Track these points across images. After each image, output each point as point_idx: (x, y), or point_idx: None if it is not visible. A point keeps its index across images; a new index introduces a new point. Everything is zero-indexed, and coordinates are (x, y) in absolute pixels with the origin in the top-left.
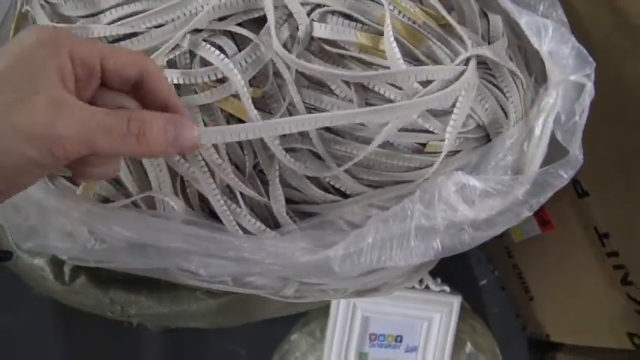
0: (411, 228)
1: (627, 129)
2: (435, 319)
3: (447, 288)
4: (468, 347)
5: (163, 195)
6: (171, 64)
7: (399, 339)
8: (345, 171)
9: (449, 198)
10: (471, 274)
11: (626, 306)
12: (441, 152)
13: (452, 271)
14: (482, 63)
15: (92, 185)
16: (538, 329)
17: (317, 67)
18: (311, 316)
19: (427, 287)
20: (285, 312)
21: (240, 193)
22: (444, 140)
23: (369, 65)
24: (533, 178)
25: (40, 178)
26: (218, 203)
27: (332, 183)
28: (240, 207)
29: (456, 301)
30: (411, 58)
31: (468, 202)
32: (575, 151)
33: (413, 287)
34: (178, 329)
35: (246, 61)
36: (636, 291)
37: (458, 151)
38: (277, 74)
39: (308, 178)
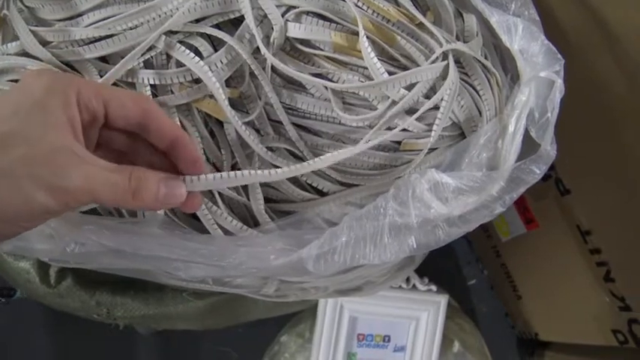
0: (385, 226)
1: (606, 126)
2: (422, 318)
3: (434, 287)
4: (456, 346)
5: None
6: (148, 65)
7: (386, 339)
8: (322, 169)
9: (422, 195)
10: (460, 274)
11: (609, 303)
12: (415, 150)
13: (441, 271)
14: (457, 61)
15: None
16: (527, 328)
17: (307, 76)
18: (300, 317)
19: (414, 287)
20: (273, 313)
21: (219, 192)
22: (419, 138)
23: (343, 65)
24: (507, 174)
25: (44, 222)
26: None
27: (309, 182)
28: (218, 207)
29: (443, 300)
30: (386, 57)
31: (442, 199)
32: (547, 147)
33: (400, 287)
34: (168, 331)
35: (221, 62)
36: (619, 288)
37: (433, 149)
38: (253, 74)
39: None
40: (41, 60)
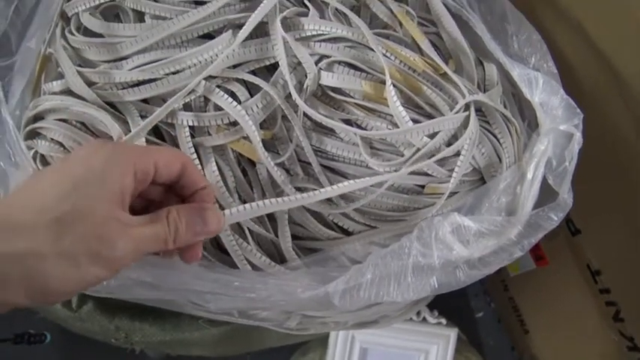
0: (409, 265)
1: (616, 170)
2: (431, 351)
3: (443, 320)
4: None
5: None
6: (187, 107)
7: None
8: (347, 211)
9: (445, 238)
10: (468, 306)
11: (618, 342)
12: (437, 193)
13: (449, 303)
14: (478, 110)
15: None
16: None
17: (337, 123)
18: (309, 346)
19: (424, 319)
20: (286, 342)
21: (249, 229)
22: (442, 182)
23: (371, 111)
24: (526, 219)
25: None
26: (228, 239)
27: (335, 221)
28: (248, 243)
29: (452, 333)
30: (412, 105)
31: (463, 242)
32: (565, 195)
33: (410, 319)
34: (180, 357)
35: (257, 106)
36: (627, 328)
37: (455, 193)
38: (286, 117)
39: (313, 215)
40: (86, 100)
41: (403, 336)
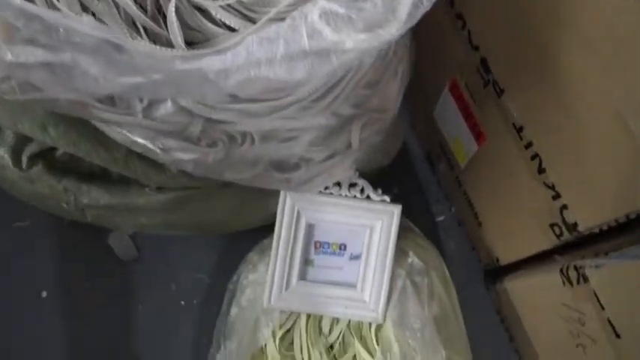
0: (279, 47)
1: (526, 27)
2: (376, 226)
3: (387, 198)
4: (411, 257)
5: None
6: None
7: (342, 247)
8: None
9: (314, 23)
10: (429, 210)
11: (545, 195)
12: None
13: (410, 207)
14: None
15: None
16: (489, 256)
17: None
18: (266, 242)
19: (368, 197)
20: (239, 220)
21: (143, 27)
22: None
23: None
24: (404, 18)
25: None
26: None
27: (221, 19)
28: (142, 39)
29: (396, 210)
30: None
31: (333, 28)
32: None
33: (355, 197)
34: (145, 260)
35: None
36: (549, 177)
37: None
38: None
39: (201, 14)
40: None
41: (348, 212)
